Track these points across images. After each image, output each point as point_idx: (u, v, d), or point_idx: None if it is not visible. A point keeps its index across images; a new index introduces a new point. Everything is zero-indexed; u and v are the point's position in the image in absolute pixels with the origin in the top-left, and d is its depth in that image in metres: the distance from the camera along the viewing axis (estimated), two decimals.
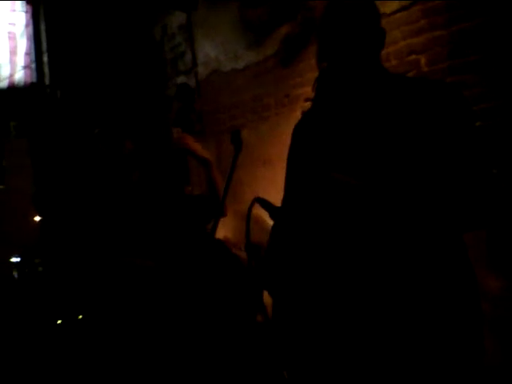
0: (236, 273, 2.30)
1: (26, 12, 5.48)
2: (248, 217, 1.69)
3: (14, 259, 4.61)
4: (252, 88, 4.32)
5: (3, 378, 2.66)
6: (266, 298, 2.01)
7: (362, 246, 1.45)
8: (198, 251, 2.25)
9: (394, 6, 3.17)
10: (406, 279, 1.42)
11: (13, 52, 5.33)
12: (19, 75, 5.36)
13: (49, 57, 5.50)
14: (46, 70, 5.53)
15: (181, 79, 4.98)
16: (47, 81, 5.52)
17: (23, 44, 5.43)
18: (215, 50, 4.66)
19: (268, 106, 4.20)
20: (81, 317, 2.85)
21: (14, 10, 5.41)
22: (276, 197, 1.81)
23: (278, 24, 4.08)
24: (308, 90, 1.83)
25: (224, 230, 3.27)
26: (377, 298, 1.43)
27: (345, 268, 1.47)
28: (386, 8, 3.12)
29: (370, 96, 1.52)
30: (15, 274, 4.63)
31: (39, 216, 5.02)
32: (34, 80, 5.47)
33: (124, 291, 2.30)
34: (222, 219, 2.33)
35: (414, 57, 3.16)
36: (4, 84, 5.23)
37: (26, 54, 5.44)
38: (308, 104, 1.69)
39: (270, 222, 1.76)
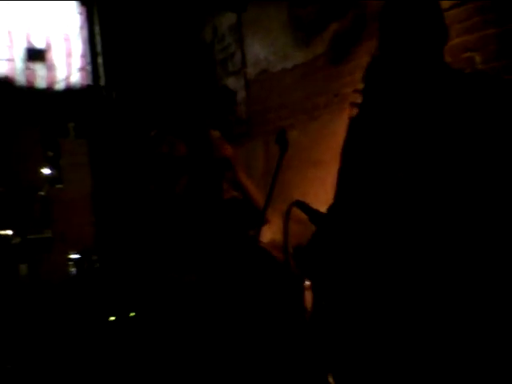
0: (277, 279, 2.29)
1: (81, 14, 5.63)
2: (286, 220, 1.68)
3: (73, 256, 4.78)
4: (301, 87, 4.30)
5: (59, 371, 2.76)
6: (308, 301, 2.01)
7: (416, 248, 1.42)
8: (241, 260, 2.25)
9: (447, 3, 3.09)
10: (456, 285, 1.38)
11: (68, 54, 5.49)
12: (75, 77, 5.51)
13: (103, 59, 5.64)
14: (101, 71, 5.68)
15: (230, 80, 5.02)
16: (102, 82, 5.66)
17: (78, 46, 5.58)
18: (264, 50, 4.66)
19: (317, 106, 4.17)
20: (132, 314, 2.93)
21: (69, 12, 5.57)
22: (325, 198, 1.79)
23: (327, 22, 4.04)
24: (359, 88, 1.81)
25: (271, 233, 3.26)
26: (426, 302, 1.41)
27: (394, 271, 1.45)
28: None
29: (428, 90, 1.49)
30: (73, 270, 4.79)
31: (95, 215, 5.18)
32: (90, 82, 5.62)
33: (170, 303, 2.34)
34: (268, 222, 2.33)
35: (468, 54, 3.09)
36: (61, 86, 5.40)
37: (82, 56, 5.59)
38: (357, 96, 1.66)
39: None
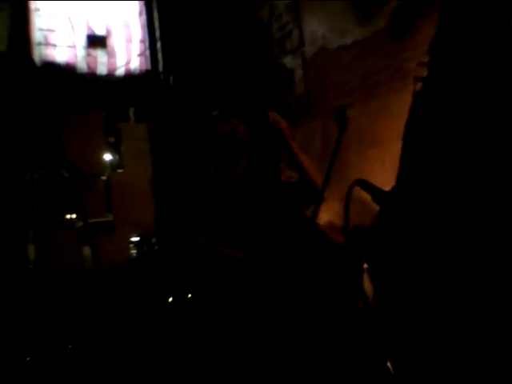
0: (335, 261, 2.22)
1: (140, 0, 5.69)
2: (347, 199, 1.60)
3: (134, 238, 4.90)
4: (360, 65, 4.16)
5: (120, 350, 2.82)
6: (367, 285, 1.93)
7: (477, 236, 1.32)
8: (298, 241, 2.19)
9: None
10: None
11: (128, 40, 5.56)
12: (135, 63, 5.58)
13: (162, 44, 5.68)
14: (160, 57, 5.72)
15: (287, 59, 4.93)
16: (161, 67, 5.71)
17: (137, 32, 5.64)
18: (322, 27, 4.55)
19: (378, 83, 4.02)
20: (190, 296, 2.94)
21: None
22: (383, 177, 1.70)
23: None
24: (424, 61, 1.71)
25: (328, 214, 3.18)
26: (484, 294, 1.31)
27: (453, 259, 1.35)
28: None
29: (496, 62, 1.37)
30: (134, 252, 4.91)
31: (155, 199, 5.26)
32: (149, 67, 5.68)
33: (222, 282, 2.32)
34: (326, 204, 2.25)
35: None
36: (121, 71, 5.48)
37: (141, 41, 5.65)
38: (421, 70, 1.56)
39: (375, 204, 1.67)
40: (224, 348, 2.29)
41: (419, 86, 1.58)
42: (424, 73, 1.55)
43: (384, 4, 3.94)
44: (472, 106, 1.40)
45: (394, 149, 1.69)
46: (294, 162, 2.36)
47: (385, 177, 1.73)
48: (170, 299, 3.21)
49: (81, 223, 4.62)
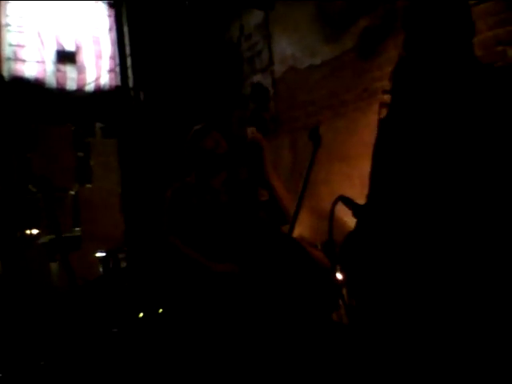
0: (312, 273, 2.26)
1: (110, 16, 5.69)
2: (331, 215, 1.66)
3: (100, 254, 4.85)
4: (329, 84, 4.26)
5: (86, 368, 2.79)
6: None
7: (452, 245, 1.38)
8: (275, 253, 2.23)
9: None
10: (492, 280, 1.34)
11: (98, 56, 5.56)
12: (104, 78, 5.58)
13: (132, 60, 5.69)
14: (130, 73, 5.73)
15: (257, 77, 5.01)
16: (131, 83, 5.71)
17: (107, 48, 5.64)
18: (292, 47, 4.64)
19: (345, 102, 4.13)
20: (161, 311, 2.94)
21: (98, 14, 5.63)
22: (352, 193, 1.76)
23: (356, 17, 4.01)
24: (387, 84, 1.78)
25: (299, 229, 3.24)
26: (461, 303, 1.36)
27: (430, 268, 1.41)
28: None
29: (458, 86, 1.45)
30: (100, 268, 4.86)
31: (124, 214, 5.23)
32: (119, 83, 5.68)
33: (202, 294, 2.33)
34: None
35: (500, 48, 3.04)
36: (90, 87, 5.47)
37: (111, 57, 5.65)
38: (385, 97, 1.63)
39: (349, 221, 1.72)
40: (196, 361, 2.30)
41: (384, 112, 1.67)
42: (388, 100, 1.63)
43: (351, 24, 4.06)
44: (435, 131, 1.47)
45: (361, 165, 1.76)
46: (266, 182, 2.41)
47: (353, 192, 1.79)
48: (141, 315, 3.19)
49: (44, 239, 4.56)
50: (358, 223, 1.65)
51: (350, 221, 1.72)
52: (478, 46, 3.18)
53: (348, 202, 1.68)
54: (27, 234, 4.71)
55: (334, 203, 1.68)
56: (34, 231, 4.69)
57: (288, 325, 2.16)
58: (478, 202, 1.36)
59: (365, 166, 1.71)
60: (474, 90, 1.44)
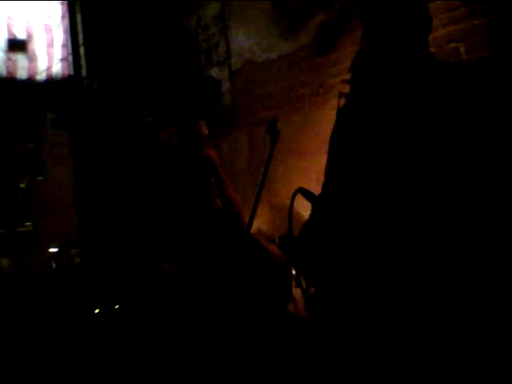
0: (265, 267, 2.27)
1: (62, 4, 5.54)
2: (290, 208, 1.66)
3: (52, 249, 4.72)
4: (286, 78, 4.28)
5: (39, 365, 2.72)
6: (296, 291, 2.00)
7: (406, 234, 1.41)
8: (228, 248, 2.23)
9: None
10: (450, 274, 1.37)
11: (49, 44, 5.40)
12: (56, 68, 5.43)
13: (85, 49, 5.56)
14: (83, 62, 5.60)
15: (214, 70, 4.98)
16: (84, 73, 5.58)
17: (60, 36, 5.49)
18: (249, 41, 4.63)
19: (302, 97, 4.15)
20: (117, 307, 2.90)
21: (50, 2, 5.47)
22: (309, 187, 1.78)
23: (313, 12, 4.03)
24: (347, 78, 1.80)
25: (257, 222, 3.25)
26: (419, 294, 1.39)
27: (386, 259, 1.43)
28: None
29: (414, 79, 1.49)
30: (53, 264, 4.73)
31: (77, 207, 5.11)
32: (71, 72, 5.54)
33: (150, 293, 2.31)
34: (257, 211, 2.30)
35: (453, 45, 3.11)
36: (42, 76, 5.31)
37: (63, 46, 5.50)
38: (344, 86, 1.65)
39: (306, 215, 1.73)
40: (152, 359, 2.28)
41: (343, 102, 1.68)
42: (347, 90, 1.64)
43: (308, 20, 4.08)
44: (391, 122, 1.50)
45: (318, 160, 1.77)
46: (221, 191, 2.41)
47: (310, 187, 1.80)
48: (97, 311, 3.14)
49: None
50: (312, 214, 1.66)
51: (307, 214, 1.74)
52: (432, 43, 3.26)
53: (307, 195, 1.69)
54: None
55: (294, 195, 1.69)
56: None
57: (240, 318, 2.17)
58: (430, 192, 1.40)
59: (321, 161, 1.72)
60: (428, 84, 1.47)
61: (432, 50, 3.38)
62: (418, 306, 1.39)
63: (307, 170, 3.69)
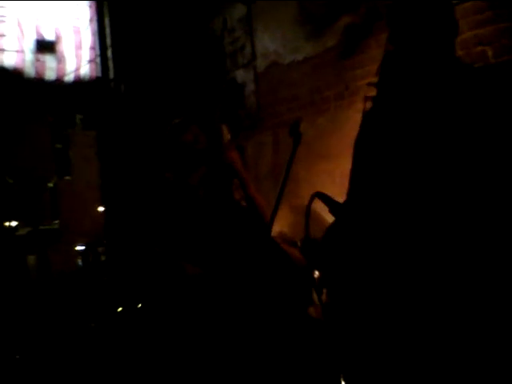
0: (286, 271, 2.27)
1: (90, 7, 5.62)
2: (307, 212, 1.66)
3: (79, 247, 4.80)
4: (311, 80, 4.27)
5: (65, 362, 2.77)
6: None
7: (431, 243, 1.40)
8: (251, 254, 2.23)
9: None
10: (470, 282, 1.36)
11: (78, 46, 5.49)
12: (84, 69, 5.51)
13: (113, 51, 5.63)
14: (111, 64, 5.67)
15: (239, 73, 4.99)
16: (111, 75, 5.65)
17: (88, 38, 5.57)
18: (275, 43, 4.63)
19: (327, 99, 4.14)
20: (140, 305, 2.92)
21: (78, 4, 5.56)
22: (333, 191, 1.77)
23: (339, 15, 4.01)
24: (373, 81, 1.78)
25: (280, 225, 3.25)
26: (437, 301, 1.38)
27: (407, 268, 1.42)
28: None
29: (441, 84, 1.47)
30: (79, 261, 4.81)
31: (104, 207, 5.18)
32: (99, 74, 5.62)
33: (172, 293, 2.32)
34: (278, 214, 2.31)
35: (481, 48, 3.07)
36: (70, 78, 5.40)
37: (91, 48, 5.58)
38: (370, 89, 1.64)
39: (328, 218, 1.73)
40: (174, 358, 2.29)
41: (368, 105, 1.67)
42: (373, 92, 1.63)
43: (334, 22, 4.06)
44: (419, 126, 1.48)
45: (343, 162, 1.76)
46: (245, 192, 2.42)
47: (334, 190, 1.80)
48: (120, 309, 3.18)
49: (24, 231, 4.50)
50: (336, 220, 1.65)
51: (328, 218, 1.73)
52: (459, 46, 3.23)
53: (325, 199, 1.68)
54: (6, 226, 4.63)
55: (311, 200, 1.68)
56: (13, 223, 4.62)
57: (259, 320, 2.17)
58: (458, 200, 1.38)
59: (346, 164, 1.71)
60: (455, 88, 1.46)
61: (459, 52, 3.34)
62: (438, 316, 1.38)
63: (332, 174, 3.67)
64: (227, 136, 2.42)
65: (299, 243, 3.10)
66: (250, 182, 2.42)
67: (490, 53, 3.04)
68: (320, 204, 1.74)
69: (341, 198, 1.71)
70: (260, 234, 2.25)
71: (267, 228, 2.07)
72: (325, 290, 1.81)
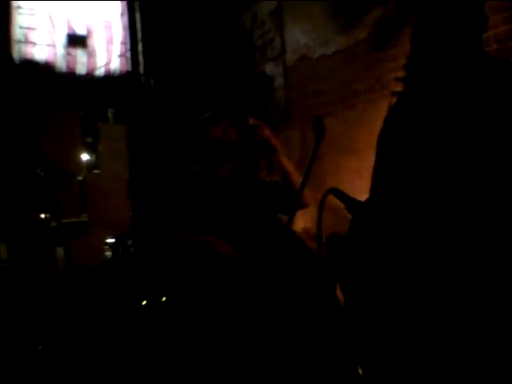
0: (308, 267, 2.24)
1: (122, 1, 5.66)
2: (320, 208, 1.61)
3: (109, 240, 4.85)
4: (341, 74, 4.21)
5: (91, 353, 2.79)
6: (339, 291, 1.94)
7: (451, 242, 1.34)
8: (272, 245, 2.21)
9: None
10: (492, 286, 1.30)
11: (109, 41, 5.53)
12: (115, 64, 5.55)
13: (143, 46, 5.66)
14: (141, 58, 5.70)
15: (269, 66, 4.95)
16: (141, 69, 5.68)
17: (119, 33, 5.61)
18: (304, 36, 4.58)
19: (357, 93, 4.07)
20: (164, 299, 2.93)
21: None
22: (361, 187, 1.72)
23: (370, 7, 3.95)
24: (401, 76, 1.74)
25: (304, 221, 3.21)
26: (455, 302, 1.33)
27: (427, 269, 1.37)
28: None
29: (468, 79, 1.42)
30: (109, 253, 4.87)
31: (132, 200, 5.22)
32: (129, 68, 5.65)
33: (202, 276, 2.32)
34: (302, 210, 2.28)
35: None
36: (100, 72, 5.45)
37: (122, 42, 5.62)
38: (398, 84, 1.59)
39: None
40: (199, 350, 2.29)
41: (395, 100, 1.62)
42: (400, 88, 1.58)
43: (365, 15, 3.99)
44: (445, 121, 1.43)
45: (371, 157, 1.71)
46: (278, 166, 2.40)
47: (362, 186, 1.75)
48: (144, 302, 3.19)
49: (55, 223, 4.57)
50: (357, 218, 1.61)
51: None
52: (493, 39, 3.14)
53: (340, 195, 1.63)
54: (41, 218, 4.72)
55: (324, 196, 1.64)
56: (48, 215, 4.70)
57: (285, 316, 2.15)
58: (482, 202, 1.33)
59: (374, 159, 1.66)
60: (481, 84, 1.40)
61: (494, 46, 3.26)
62: (456, 318, 1.33)
63: (359, 168, 3.61)
64: (257, 121, 2.40)
65: (324, 239, 3.05)
66: (286, 159, 2.41)
67: None
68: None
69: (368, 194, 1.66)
70: (282, 229, 2.23)
71: (287, 224, 2.05)
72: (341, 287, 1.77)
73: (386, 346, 1.44)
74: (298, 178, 2.38)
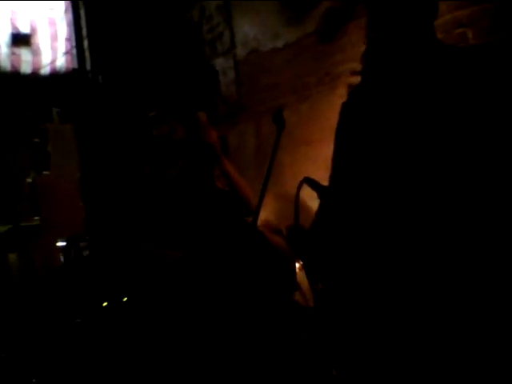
0: (268, 259, 2.26)
1: None
2: (296, 198, 1.63)
3: (60, 243, 4.72)
4: (291, 67, 4.24)
5: (46, 357, 2.73)
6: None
7: (412, 231, 1.38)
8: (233, 241, 2.22)
9: None
10: (462, 276, 1.34)
11: (53, 38, 5.38)
12: (60, 61, 5.41)
13: (89, 42, 5.53)
14: (87, 55, 5.57)
15: (219, 61, 4.93)
16: (88, 66, 5.56)
17: (63, 29, 5.47)
18: (254, 30, 4.58)
19: (308, 85, 4.11)
20: (125, 299, 2.89)
21: None
22: (316, 176, 1.75)
23: (318, 0, 3.98)
24: (350, 67, 1.77)
25: (265, 213, 3.22)
26: (428, 292, 1.36)
27: (394, 257, 1.40)
28: None
29: (425, 68, 1.45)
30: (61, 257, 4.74)
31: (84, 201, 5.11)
32: (75, 66, 5.52)
33: (155, 281, 2.31)
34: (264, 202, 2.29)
35: (461, 30, 3.07)
36: (46, 70, 5.30)
37: (67, 39, 5.48)
38: (354, 78, 1.62)
39: (314, 205, 1.70)
40: (160, 350, 2.27)
41: (351, 91, 1.64)
42: (355, 80, 1.61)
43: (313, 8, 4.03)
44: (404, 110, 1.46)
45: (326, 148, 1.74)
46: (225, 176, 2.40)
47: (317, 175, 1.77)
48: (105, 304, 3.13)
49: (5, 228, 4.42)
50: (320, 207, 1.63)
51: (314, 205, 1.71)
52: (439, 28, 3.23)
53: (313, 184, 1.66)
54: None
55: (300, 185, 1.66)
56: None
57: (242, 307, 2.16)
58: (439, 188, 1.36)
59: (329, 150, 1.69)
60: (437, 72, 1.43)
61: (440, 35, 3.35)
62: (421, 303, 1.36)
63: (315, 159, 3.65)
64: (205, 122, 2.40)
65: (284, 231, 3.08)
66: (230, 165, 2.41)
67: (470, 34, 3.05)
68: (305, 191, 1.71)
69: (325, 183, 1.69)
70: (242, 220, 2.24)
71: (253, 217, 2.06)
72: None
73: (358, 339, 1.46)
74: (244, 185, 2.40)
